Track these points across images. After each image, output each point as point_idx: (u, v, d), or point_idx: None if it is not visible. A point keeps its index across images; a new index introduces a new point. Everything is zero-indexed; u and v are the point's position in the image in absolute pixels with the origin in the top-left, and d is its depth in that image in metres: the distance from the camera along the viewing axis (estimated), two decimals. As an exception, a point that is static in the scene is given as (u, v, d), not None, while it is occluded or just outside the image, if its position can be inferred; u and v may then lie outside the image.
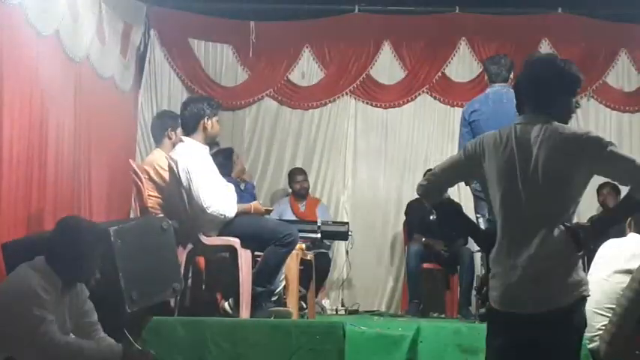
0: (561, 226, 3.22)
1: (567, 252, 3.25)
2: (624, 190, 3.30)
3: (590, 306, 4.67)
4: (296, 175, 8.52)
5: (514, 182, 3.28)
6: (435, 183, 3.53)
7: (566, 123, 3.36)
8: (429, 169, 3.89)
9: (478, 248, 7.22)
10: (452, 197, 3.63)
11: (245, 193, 7.52)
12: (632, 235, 4.97)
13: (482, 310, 6.92)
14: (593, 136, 3.28)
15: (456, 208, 3.70)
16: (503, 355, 3.33)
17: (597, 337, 4.70)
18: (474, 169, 3.44)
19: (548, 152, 3.24)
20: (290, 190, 8.61)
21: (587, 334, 4.73)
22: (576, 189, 3.27)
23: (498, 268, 3.34)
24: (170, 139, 6.33)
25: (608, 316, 4.73)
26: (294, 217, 8.08)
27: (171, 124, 6.38)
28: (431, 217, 7.78)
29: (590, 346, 4.73)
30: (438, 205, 3.58)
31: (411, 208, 8.26)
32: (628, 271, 4.73)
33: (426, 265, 7.94)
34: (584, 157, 3.23)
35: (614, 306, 4.70)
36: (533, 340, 3.25)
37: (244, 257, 5.64)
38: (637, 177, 3.18)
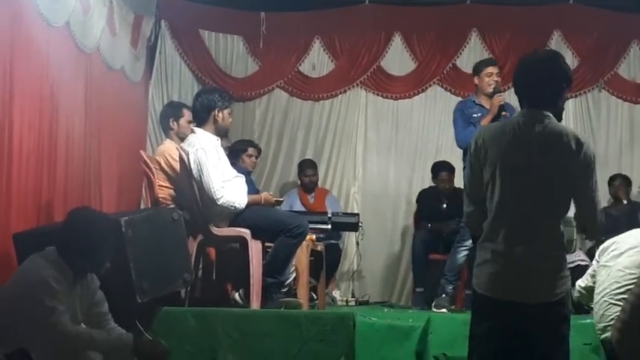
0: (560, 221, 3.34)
1: (562, 246, 3.37)
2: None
3: (605, 297, 4.68)
4: (306, 168, 8.48)
5: (514, 174, 3.35)
6: (475, 210, 3.50)
7: (560, 120, 3.46)
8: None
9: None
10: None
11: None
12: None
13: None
14: (590, 155, 3.35)
15: None
16: (490, 343, 3.36)
17: (610, 327, 4.67)
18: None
19: (548, 150, 3.33)
20: (299, 182, 8.60)
21: (600, 325, 4.73)
22: (572, 185, 3.36)
23: (487, 254, 3.37)
24: (172, 129, 6.35)
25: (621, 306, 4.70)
26: (303, 209, 8.07)
27: (172, 114, 6.40)
28: (443, 206, 7.82)
29: (603, 336, 4.71)
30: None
31: (422, 197, 8.25)
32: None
33: (432, 256, 7.89)
34: (574, 164, 3.33)
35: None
36: (523, 329, 3.31)
37: (255, 248, 5.64)
38: (588, 215, 3.40)
